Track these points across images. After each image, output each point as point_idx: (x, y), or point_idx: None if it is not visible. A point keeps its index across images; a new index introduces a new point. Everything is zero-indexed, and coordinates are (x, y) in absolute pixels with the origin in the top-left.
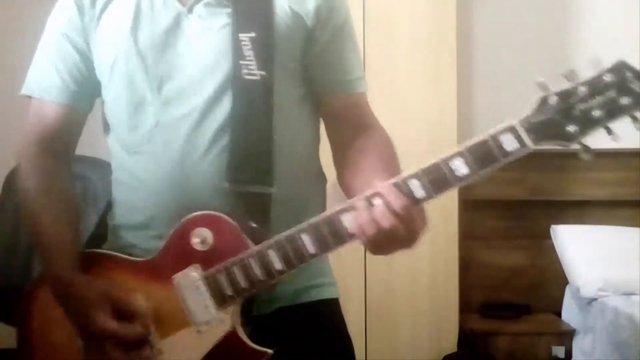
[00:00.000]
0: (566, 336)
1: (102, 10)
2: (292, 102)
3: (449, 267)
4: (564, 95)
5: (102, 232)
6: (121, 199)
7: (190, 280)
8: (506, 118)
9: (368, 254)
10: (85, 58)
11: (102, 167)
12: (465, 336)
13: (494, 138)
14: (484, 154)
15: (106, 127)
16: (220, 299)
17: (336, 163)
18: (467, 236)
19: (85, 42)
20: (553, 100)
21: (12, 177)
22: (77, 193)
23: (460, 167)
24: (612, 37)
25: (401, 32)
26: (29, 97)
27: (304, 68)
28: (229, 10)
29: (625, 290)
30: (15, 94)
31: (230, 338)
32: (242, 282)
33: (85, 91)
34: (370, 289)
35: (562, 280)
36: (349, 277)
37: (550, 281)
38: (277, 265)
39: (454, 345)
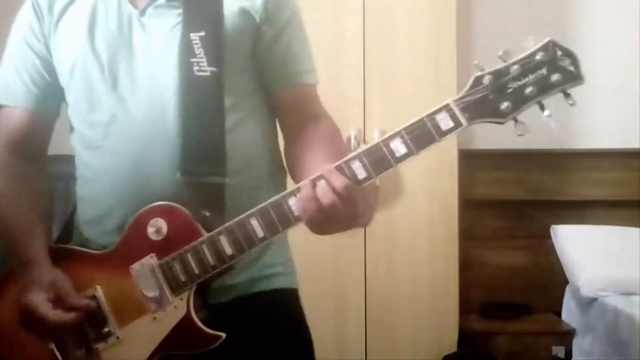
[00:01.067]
0: (566, 336)
1: (60, 16)
2: (244, 96)
3: (449, 267)
4: (497, 74)
5: (67, 228)
6: (82, 194)
7: (147, 268)
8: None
9: (368, 255)
10: (47, 63)
11: None
12: (465, 336)
13: (430, 118)
14: (421, 134)
15: (70, 129)
16: (175, 286)
17: (286, 154)
18: (467, 236)
19: (45, 47)
20: (487, 79)
21: None
22: (60, 193)
23: (399, 147)
24: (612, 36)
25: (401, 32)
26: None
27: (253, 63)
28: (179, 11)
29: (625, 290)
30: None
31: (185, 323)
32: (195, 269)
33: (50, 95)
34: (370, 289)
35: (562, 280)
36: (349, 277)
37: (550, 281)
38: (228, 250)
39: (454, 345)
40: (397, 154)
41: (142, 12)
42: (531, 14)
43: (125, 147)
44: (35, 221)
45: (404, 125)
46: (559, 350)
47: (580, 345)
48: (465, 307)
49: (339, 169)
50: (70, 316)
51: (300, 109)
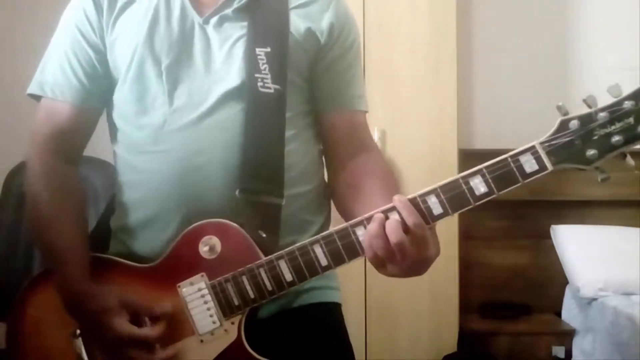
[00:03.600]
0: (566, 336)
1: (120, 13)
2: (300, 115)
3: (449, 267)
4: (585, 120)
5: (101, 234)
6: (125, 200)
7: (196, 288)
8: (506, 118)
9: None
10: (100, 56)
11: (103, 167)
12: (465, 336)
13: (514, 158)
14: (503, 174)
15: (112, 134)
16: (227, 309)
17: (332, 181)
18: (467, 236)
19: (101, 40)
20: (574, 124)
21: (12, 176)
22: (87, 195)
23: (479, 186)
24: (612, 37)
25: (401, 32)
26: (39, 96)
27: (309, 84)
28: (244, 23)
29: (625, 290)
30: (15, 94)
31: (234, 348)
32: (251, 293)
33: (99, 91)
34: (370, 289)
35: (562, 280)
36: (349, 278)
37: (550, 281)
38: (288, 276)
39: (454, 345)
40: (477, 192)
41: (206, 21)
42: (531, 14)
43: (176, 154)
44: (76, 234)
45: (487, 164)
46: (559, 350)
47: (580, 345)
48: (465, 307)
49: (413, 202)
50: (161, 328)
51: (352, 136)
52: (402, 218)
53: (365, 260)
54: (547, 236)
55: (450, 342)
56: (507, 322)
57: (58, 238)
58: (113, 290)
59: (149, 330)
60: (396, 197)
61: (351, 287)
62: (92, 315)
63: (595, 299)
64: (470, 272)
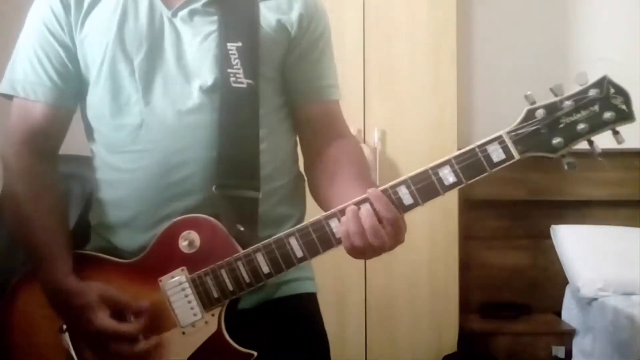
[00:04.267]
0: (566, 336)
1: (89, 11)
2: (273, 109)
3: (449, 267)
4: (550, 109)
5: (81, 229)
6: (104, 197)
7: (177, 282)
8: (506, 118)
9: None
10: (70, 55)
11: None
12: (465, 336)
13: (481, 148)
14: (471, 164)
15: (88, 133)
16: (207, 301)
17: (308, 170)
18: (467, 236)
19: (70, 38)
20: (540, 113)
21: None
22: (77, 193)
23: (448, 176)
24: (612, 36)
25: (401, 32)
26: (11, 96)
27: (282, 76)
28: (214, 18)
29: (625, 290)
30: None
31: (215, 339)
32: (230, 285)
33: (72, 90)
34: (370, 289)
35: (562, 280)
36: (349, 278)
37: (550, 281)
38: (265, 268)
39: (454, 345)
40: (446, 182)
41: (174, 14)
42: (531, 14)
43: (155, 153)
44: (56, 230)
45: (455, 154)
46: (559, 350)
47: (580, 345)
48: (465, 307)
49: (385, 194)
50: (142, 321)
51: (327, 126)
52: (375, 211)
53: (365, 260)
54: (547, 236)
55: (450, 342)
56: (507, 322)
57: (39, 235)
58: (93, 286)
59: (129, 326)
60: (370, 190)
61: (351, 287)
62: (74, 310)
63: (595, 299)
64: (470, 272)
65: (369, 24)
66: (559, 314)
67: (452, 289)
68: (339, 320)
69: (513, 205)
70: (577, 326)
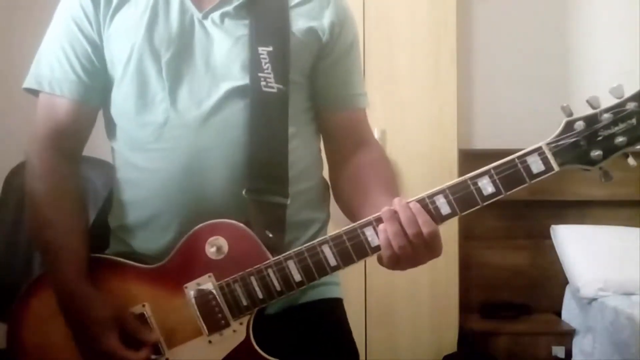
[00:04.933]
0: (566, 336)
1: (118, 8)
2: (301, 113)
3: (449, 267)
4: (589, 121)
5: (99, 232)
6: (125, 198)
7: (204, 289)
8: (506, 118)
9: None
10: (97, 51)
11: (102, 167)
12: (465, 336)
13: (521, 159)
14: (510, 175)
15: (110, 130)
16: (235, 309)
17: (333, 176)
18: (467, 236)
19: (98, 34)
20: (579, 125)
21: (13, 175)
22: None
23: (487, 187)
24: (612, 36)
25: (401, 32)
26: (37, 91)
27: (310, 82)
28: (246, 22)
29: (625, 290)
30: (14, 93)
31: (243, 348)
32: (260, 293)
33: (98, 86)
34: (370, 289)
35: (562, 280)
36: (349, 277)
37: (550, 281)
38: (297, 276)
39: (454, 345)
40: (485, 193)
41: (205, 16)
42: (531, 14)
43: (180, 153)
44: (73, 233)
45: (494, 164)
46: (559, 350)
47: (580, 345)
48: (465, 307)
49: (422, 203)
50: (146, 353)
51: (354, 133)
52: (413, 218)
53: (365, 260)
54: (547, 236)
55: (450, 342)
56: (507, 322)
57: (55, 237)
58: (109, 301)
59: (135, 354)
60: (405, 200)
61: (351, 287)
62: (83, 320)
63: (595, 299)
64: (470, 272)
65: (369, 24)
66: (559, 314)
67: (452, 289)
68: None
69: (513, 205)
70: (577, 326)
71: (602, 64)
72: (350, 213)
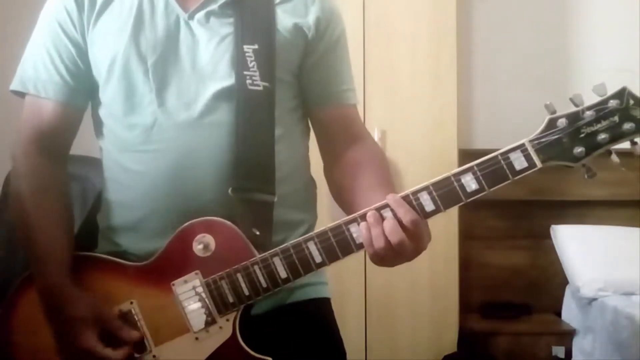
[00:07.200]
0: (566, 336)
1: (102, 10)
2: (288, 112)
3: (449, 267)
4: (572, 118)
5: (88, 231)
6: (114, 198)
7: (191, 286)
8: (506, 118)
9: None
10: (82, 53)
11: (101, 166)
12: (465, 336)
13: (504, 156)
14: (493, 171)
15: (98, 129)
16: (222, 306)
17: (328, 173)
18: (467, 236)
19: (82, 37)
20: (562, 122)
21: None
22: (76, 195)
23: (471, 183)
24: (612, 36)
25: (401, 32)
26: (22, 93)
27: (298, 80)
28: (231, 20)
29: (625, 290)
30: (8, 93)
31: (230, 345)
32: (246, 290)
33: (83, 88)
34: (370, 289)
35: (562, 280)
36: (349, 277)
37: (550, 281)
38: (283, 273)
39: (454, 345)
40: (468, 189)
41: (191, 16)
42: (531, 14)
43: (168, 154)
44: (57, 232)
45: (478, 161)
46: (559, 350)
47: (580, 345)
48: (465, 307)
49: (406, 199)
50: (126, 351)
51: (345, 129)
52: (396, 216)
53: (365, 260)
54: (547, 236)
55: (450, 342)
56: (507, 322)
57: (37, 236)
58: (89, 300)
59: (113, 353)
60: (390, 196)
61: (351, 287)
62: (64, 320)
63: (595, 299)
64: (470, 272)
65: (369, 24)
66: (559, 314)
67: (452, 289)
68: (339, 320)
69: (513, 205)
70: (577, 326)
71: (602, 64)
72: (348, 209)
